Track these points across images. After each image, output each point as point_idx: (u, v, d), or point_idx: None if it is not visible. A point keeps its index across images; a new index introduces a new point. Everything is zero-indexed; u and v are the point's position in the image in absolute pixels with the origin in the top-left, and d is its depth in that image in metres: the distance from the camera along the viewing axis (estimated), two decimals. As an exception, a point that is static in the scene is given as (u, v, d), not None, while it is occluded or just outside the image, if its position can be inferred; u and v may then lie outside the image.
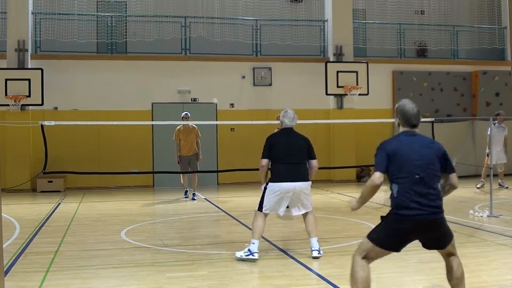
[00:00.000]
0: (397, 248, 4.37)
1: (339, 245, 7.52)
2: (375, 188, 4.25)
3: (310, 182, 7.01)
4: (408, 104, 4.53)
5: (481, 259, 6.53)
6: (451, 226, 9.03)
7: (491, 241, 7.59)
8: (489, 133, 13.77)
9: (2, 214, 4.10)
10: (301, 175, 6.82)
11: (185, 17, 16.63)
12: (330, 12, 17.23)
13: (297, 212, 6.89)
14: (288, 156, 6.79)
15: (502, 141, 14.14)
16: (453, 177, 4.47)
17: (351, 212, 4.59)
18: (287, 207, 6.97)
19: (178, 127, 12.90)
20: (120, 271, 6.22)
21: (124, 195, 14.48)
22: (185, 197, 13.06)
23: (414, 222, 4.22)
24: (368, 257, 4.35)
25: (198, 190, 13.52)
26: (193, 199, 12.86)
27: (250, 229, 8.84)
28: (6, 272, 5.95)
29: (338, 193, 14.05)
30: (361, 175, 17.22)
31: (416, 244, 7.50)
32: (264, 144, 6.92)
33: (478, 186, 13.99)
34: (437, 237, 4.42)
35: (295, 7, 17.50)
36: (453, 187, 4.50)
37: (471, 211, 9.87)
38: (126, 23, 16.49)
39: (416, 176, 4.22)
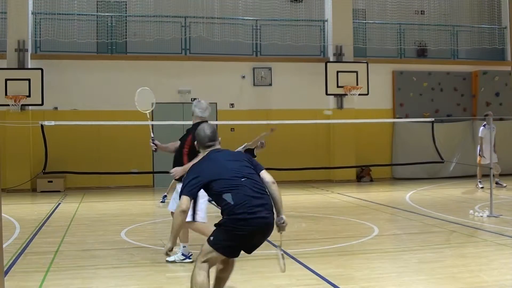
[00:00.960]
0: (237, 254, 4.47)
1: (339, 245, 7.52)
2: (184, 214, 4.34)
3: None
4: (201, 130, 4.70)
5: (481, 259, 6.53)
6: (452, 226, 9.07)
7: (491, 241, 7.58)
8: (480, 134, 14.16)
9: (2, 214, 4.10)
10: None
11: (185, 17, 16.62)
12: (330, 12, 17.23)
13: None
14: None
15: (493, 141, 14.14)
16: (263, 173, 4.57)
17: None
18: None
19: None
20: (120, 271, 6.22)
21: (124, 195, 14.47)
22: (162, 202, 12.51)
23: (258, 227, 4.31)
24: (210, 263, 4.39)
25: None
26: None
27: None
28: (6, 272, 5.94)
29: (338, 193, 14.04)
30: (361, 175, 17.22)
31: (416, 244, 7.53)
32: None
33: (481, 186, 14.00)
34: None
35: (295, 7, 17.49)
36: (268, 183, 4.54)
37: (471, 211, 9.86)
38: (126, 23, 16.48)
39: (242, 180, 4.37)
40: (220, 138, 4.80)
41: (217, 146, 4.68)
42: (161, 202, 12.52)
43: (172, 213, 6.33)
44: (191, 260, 6.52)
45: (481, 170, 14.05)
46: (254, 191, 4.33)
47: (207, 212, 6.31)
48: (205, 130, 4.66)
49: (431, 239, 7.88)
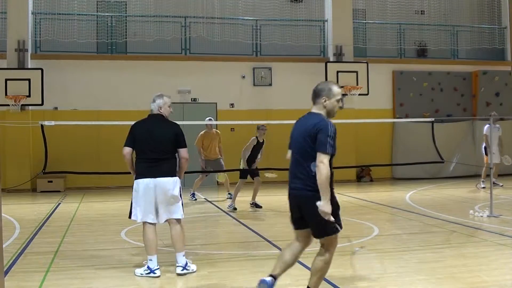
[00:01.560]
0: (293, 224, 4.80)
1: (339, 245, 7.47)
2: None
3: (175, 178, 6.03)
4: None
5: (481, 259, 6.53)
6: (452, 226, 9.03)
7: (491, 241, 7.58)
8: (485, 132, 14.01)
9: (2, 214, 4.10)
10: (161, 171, 5.96)
11: (185, 17, 16.63)
12: (330, 12, 17.23)
13: (163, 218, 6.10)
14: (148, 149, 6.02)
15: (497, 141, 14.14)
16: (317, 155, 4.41)
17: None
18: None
19: (202, 132, 12.68)
20: (120, 271, 6.22)
21: (124, 195, 14.44)
22: (194, 199, 12.97)
23: (290, 198, 4.71)
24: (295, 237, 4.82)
25: (198, 190, 13.51)
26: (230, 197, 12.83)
27: (250, 229, 8.87)
28: (6, 272, 5.94)
29: (338, 193, 13.97)
30: (361, 175, 17.22)
31: (416, 244, 7.53)
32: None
33: (483, 186, 14.03)
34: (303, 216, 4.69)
35: (295, 7, 17.49)
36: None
37: (471, 211, 9.86)
38: (126, 23, 16.49)
39: (290, 152, 4.68)
40: (319, 100, 4.60)
41: (313, 110, 4.68)
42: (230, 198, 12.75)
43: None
44: (156, 275, 5.91)
45: (486, 170, 13.92)
46: (293, 166, 4.61)
47: (145, 212, 6.05)
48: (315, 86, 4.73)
49: (431, 239, 7.88)
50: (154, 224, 6.12)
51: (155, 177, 5.91)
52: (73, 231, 8.88)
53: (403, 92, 17.92)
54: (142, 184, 5.97)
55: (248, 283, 5.64)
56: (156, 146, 5.99)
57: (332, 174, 4.46)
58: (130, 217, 6.23)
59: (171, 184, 5.96)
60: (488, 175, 12.98)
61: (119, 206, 12.48)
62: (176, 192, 6.00)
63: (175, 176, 6.03)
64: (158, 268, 5.93)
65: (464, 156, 17.74)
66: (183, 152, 6.05)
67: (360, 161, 16.97)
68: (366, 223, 9.21)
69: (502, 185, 14.40)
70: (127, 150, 6.11)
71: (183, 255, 6.00)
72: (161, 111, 6.28)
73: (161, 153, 5.98)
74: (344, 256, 6.84)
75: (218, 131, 13.10)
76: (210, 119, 12.83)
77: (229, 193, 12.94)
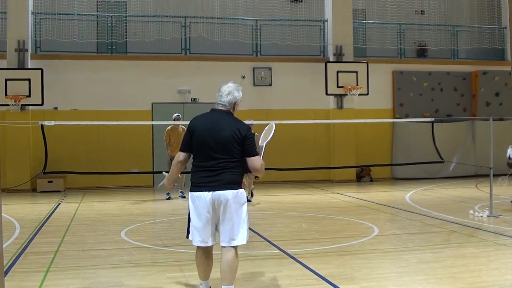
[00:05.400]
0: None
1: (339, 245, 7.52)
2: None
3: (239, 191, 4.75)
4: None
5: (481, 259, 6.53)
6: (452, 226, 9.04)
7: (491, 241, 7.59)
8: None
9: (2, 214, 4.10)
10: (222, 181, 4.73)
11: (185, 17, 16.63)
12: (330, 12, 17.23)
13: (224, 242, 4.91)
14: (208, 152, 4.83)
15: None
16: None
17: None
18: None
19: (168, 127, 13.12)
20: (120, 271, 6.22)
21: (124, 195, 14.47)
22: (168, 198, 13.22)
23: None
24: None
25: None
26: (183, 196, 13.13)
27: (250, 229, 8.85)
28: (6, 272, 5.94)
29: (338, 193, 14.04)
30: (361, 175, 17.22)
31: (416, 244, 7.54)
32: None
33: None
34: None
35: (295, 7, 17.50)
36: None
37: (471, 211, 9.86)
38: (126, 23, 16.49)
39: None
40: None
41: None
42: (183, 197, 13.06)
43: None
44: None
45: None
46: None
47: None
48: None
49: (431, 239, 7.88)
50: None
51: (214, 189, 4.80)
52: (73, 231, 8.88)
53: (403, 92, 17.93)
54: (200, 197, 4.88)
55: (248, 283, 5.65)
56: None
57: None
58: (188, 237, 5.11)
59: (235, 196, 4.83)
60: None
61: (119, 206, 12.48)
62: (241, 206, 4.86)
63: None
64: None
65: (464, 156, 17.74)
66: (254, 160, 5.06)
67: (360, 161, 16.98)
68: (366, 223, 9.21)
69: None
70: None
71: None
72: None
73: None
74: (344, 256, 6.84)
75: (184, 127, 13.15)
76: (178, 115, 13.12)
77: (180, 191, 13.37)
